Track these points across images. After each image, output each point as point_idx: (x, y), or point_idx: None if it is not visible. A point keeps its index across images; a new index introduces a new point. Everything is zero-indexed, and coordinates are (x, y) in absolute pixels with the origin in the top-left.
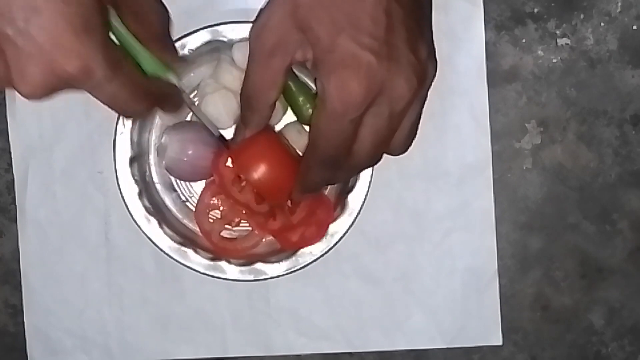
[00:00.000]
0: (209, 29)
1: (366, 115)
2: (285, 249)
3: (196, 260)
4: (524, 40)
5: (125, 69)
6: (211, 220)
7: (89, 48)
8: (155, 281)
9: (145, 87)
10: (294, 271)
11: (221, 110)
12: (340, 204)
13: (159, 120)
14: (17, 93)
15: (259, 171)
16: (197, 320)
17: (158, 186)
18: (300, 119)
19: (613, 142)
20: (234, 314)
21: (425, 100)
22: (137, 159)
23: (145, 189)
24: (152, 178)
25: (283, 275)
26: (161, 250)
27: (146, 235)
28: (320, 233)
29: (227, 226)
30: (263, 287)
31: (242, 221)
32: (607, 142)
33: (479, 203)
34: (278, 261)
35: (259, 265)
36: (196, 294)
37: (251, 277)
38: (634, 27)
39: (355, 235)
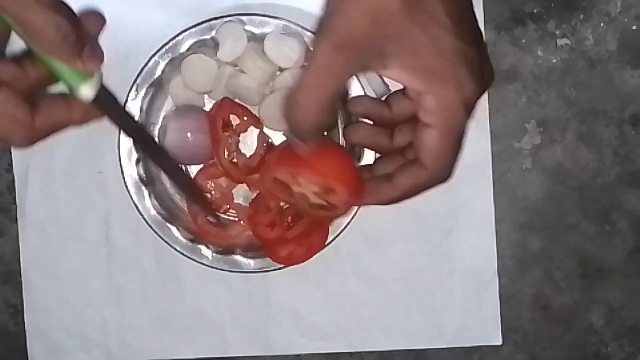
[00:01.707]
0: (207, 23)
1: None
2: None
3: (177, 237)
4: (523, 41)
5: None
6: None
7: None
8: (155, 281)
9: (28, 123)
10: (274, 270)
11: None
12: None
13: (170, 96)
14: None
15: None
16: (197, 320)
17: None
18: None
19: (613, 142)
20: (234, 314)
21: None
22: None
23: (144, 158)
24: None
25: (258, 272)
26: (144, 218)
27: (134, 202)
28: (308, 255)
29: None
30: (263, 286)
31: (230, 210)
32: (606, 142)
33: (479, 203)
34: (255, 257)
35: (237, 257)
36: (196, 293)
37: (225, 267)
38: (634, 27)
39: (355, 235)
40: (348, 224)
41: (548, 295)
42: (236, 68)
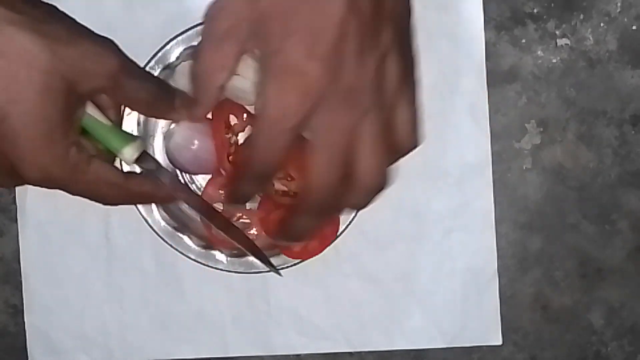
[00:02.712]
0: (193, 30)
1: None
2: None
3: (190, 246)
4: (523, 41)
5: (91, 167)
6: None
7: (47, 161)
8: (155, 281)
9: (120, 183)
10: (285, 267)
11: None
12: None
13: None
14: None
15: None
16: (198, 320)
17: None
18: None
19: (613, 142)
20: (234, 314)
21: (413, 85)
22: (142, 140)
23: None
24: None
25: (274, 270)
26: (155, 232)
27: (142, 216)
28: (321, 247)
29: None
30: (263, 286)
31: (243, 217)
32: (606, 142)
33: (479, 203)
34: (269, 256)
35: (251, 258)
36: (196, 293)
37: (241, 269)
38: (634, 27)
39: (355, 235)
40: (348, 224)
41: (548, 295)
42: None
